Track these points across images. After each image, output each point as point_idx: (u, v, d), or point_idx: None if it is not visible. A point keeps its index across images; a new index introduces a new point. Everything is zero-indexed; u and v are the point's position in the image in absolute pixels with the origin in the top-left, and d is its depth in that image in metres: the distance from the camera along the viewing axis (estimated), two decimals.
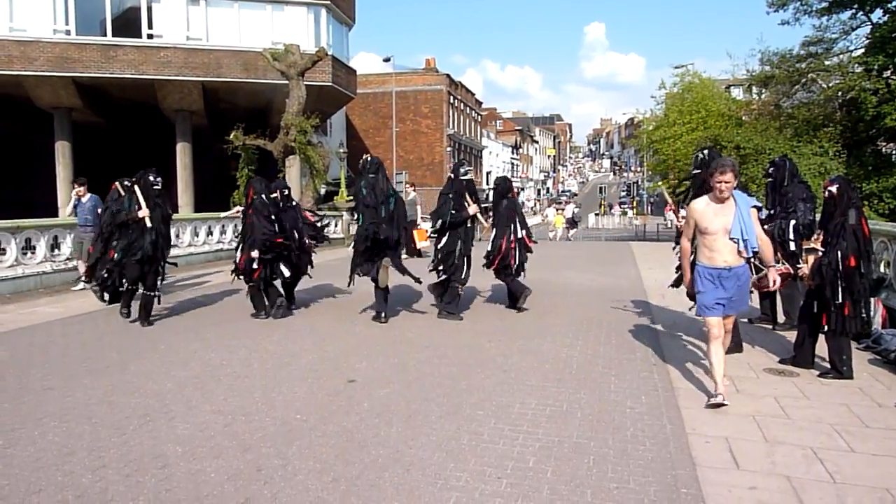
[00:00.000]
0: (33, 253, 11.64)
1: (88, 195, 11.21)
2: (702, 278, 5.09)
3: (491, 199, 9.34)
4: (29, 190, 27.30)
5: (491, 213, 9.25)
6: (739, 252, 5.00)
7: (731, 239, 4.96)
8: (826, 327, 5.73)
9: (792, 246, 6.95)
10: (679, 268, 6.41)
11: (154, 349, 6.88)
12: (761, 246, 5.11)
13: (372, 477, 3.75)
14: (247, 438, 4.33)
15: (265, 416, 4.78)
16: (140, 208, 8.10)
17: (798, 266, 6.60)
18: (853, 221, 5.56)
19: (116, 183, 8.63)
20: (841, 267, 5.51)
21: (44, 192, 25.18)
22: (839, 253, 5.51)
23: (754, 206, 5.14)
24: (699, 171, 6.62)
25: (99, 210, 10.03)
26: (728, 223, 4.96)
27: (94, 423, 4.61)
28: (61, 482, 3.66)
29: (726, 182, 4.88)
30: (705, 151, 6.91)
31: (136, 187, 8.29)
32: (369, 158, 8.38)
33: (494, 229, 8.98)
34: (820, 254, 5.78)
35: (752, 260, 6.96)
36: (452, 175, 8.79)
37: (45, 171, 25.66)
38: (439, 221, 8.48)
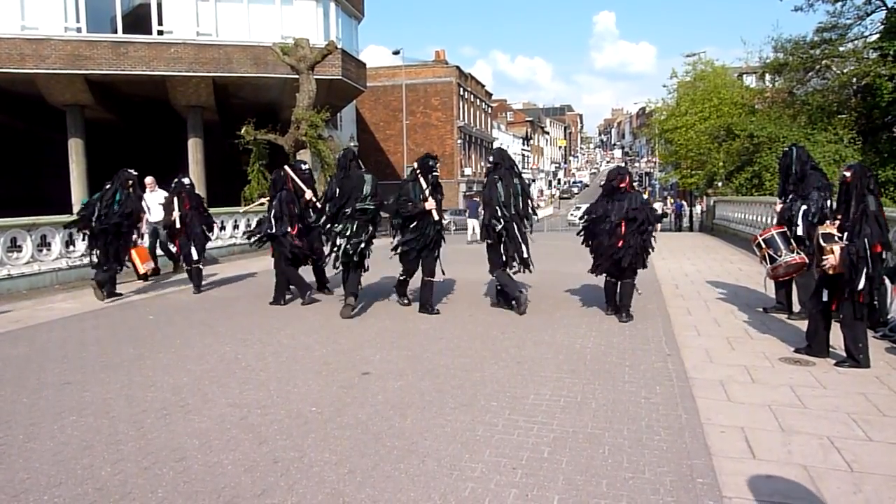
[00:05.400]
0: (49, 249, 11.75)
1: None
2: None
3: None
4: (42, 187, 27.49)
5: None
6: None
7: None
8: (841, 315, 5.68)
9: (799, 231, 7.08)
10: None
11: (169, 343, 6.94)
12: None
13: (387, 468, 3.76)
14: (263, 431, 4.36)
15: (280, 408, 4.81)
16: (426, 200, 7.83)
17: (811, 253, 6.58)
18: (873, 208, 5.51)
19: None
20: (868, 254, 5.44)
21: (57, 188, 25.34)
22: (866, 240, 5.45)
23: None
24: None
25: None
26: None
27: (112, 417, 4.66)
28: (81, 475, 3.70)
29: None
30: None
31: (420, 175, 7.92)
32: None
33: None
34: (839, 241, 5.70)
35: (766, 249, 7.06)
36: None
37: (58, 169, 25.83)
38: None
